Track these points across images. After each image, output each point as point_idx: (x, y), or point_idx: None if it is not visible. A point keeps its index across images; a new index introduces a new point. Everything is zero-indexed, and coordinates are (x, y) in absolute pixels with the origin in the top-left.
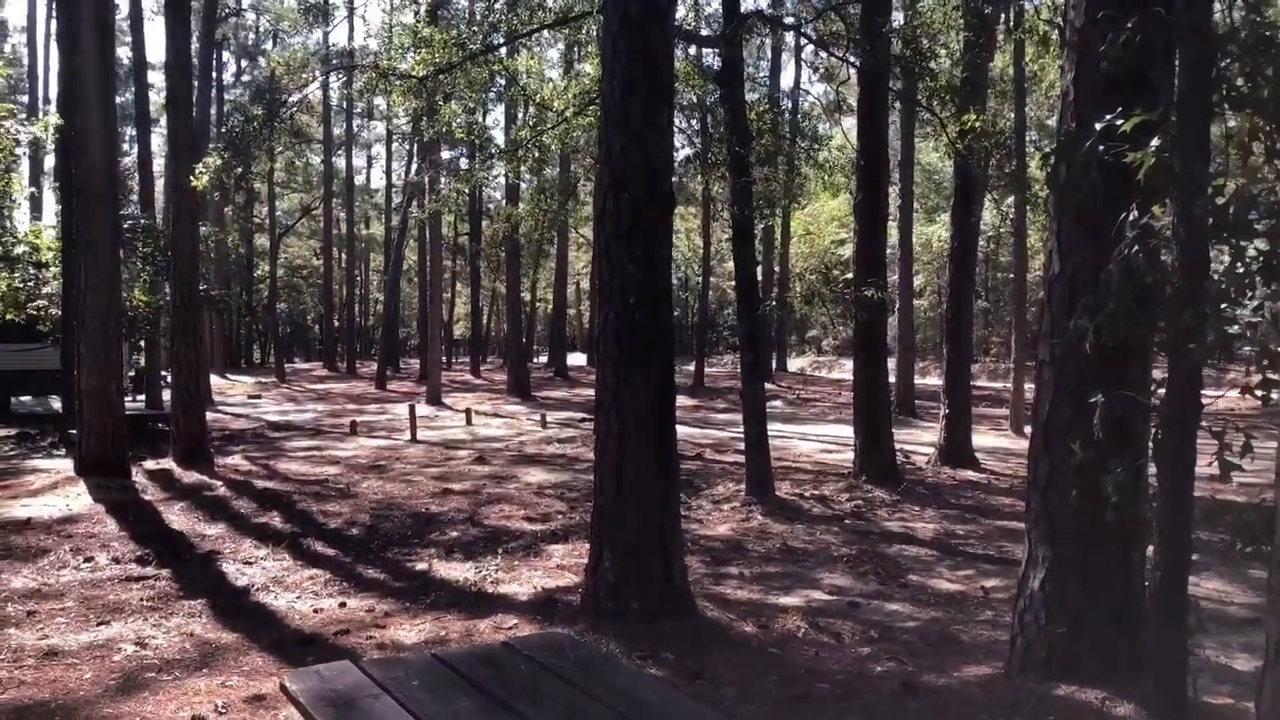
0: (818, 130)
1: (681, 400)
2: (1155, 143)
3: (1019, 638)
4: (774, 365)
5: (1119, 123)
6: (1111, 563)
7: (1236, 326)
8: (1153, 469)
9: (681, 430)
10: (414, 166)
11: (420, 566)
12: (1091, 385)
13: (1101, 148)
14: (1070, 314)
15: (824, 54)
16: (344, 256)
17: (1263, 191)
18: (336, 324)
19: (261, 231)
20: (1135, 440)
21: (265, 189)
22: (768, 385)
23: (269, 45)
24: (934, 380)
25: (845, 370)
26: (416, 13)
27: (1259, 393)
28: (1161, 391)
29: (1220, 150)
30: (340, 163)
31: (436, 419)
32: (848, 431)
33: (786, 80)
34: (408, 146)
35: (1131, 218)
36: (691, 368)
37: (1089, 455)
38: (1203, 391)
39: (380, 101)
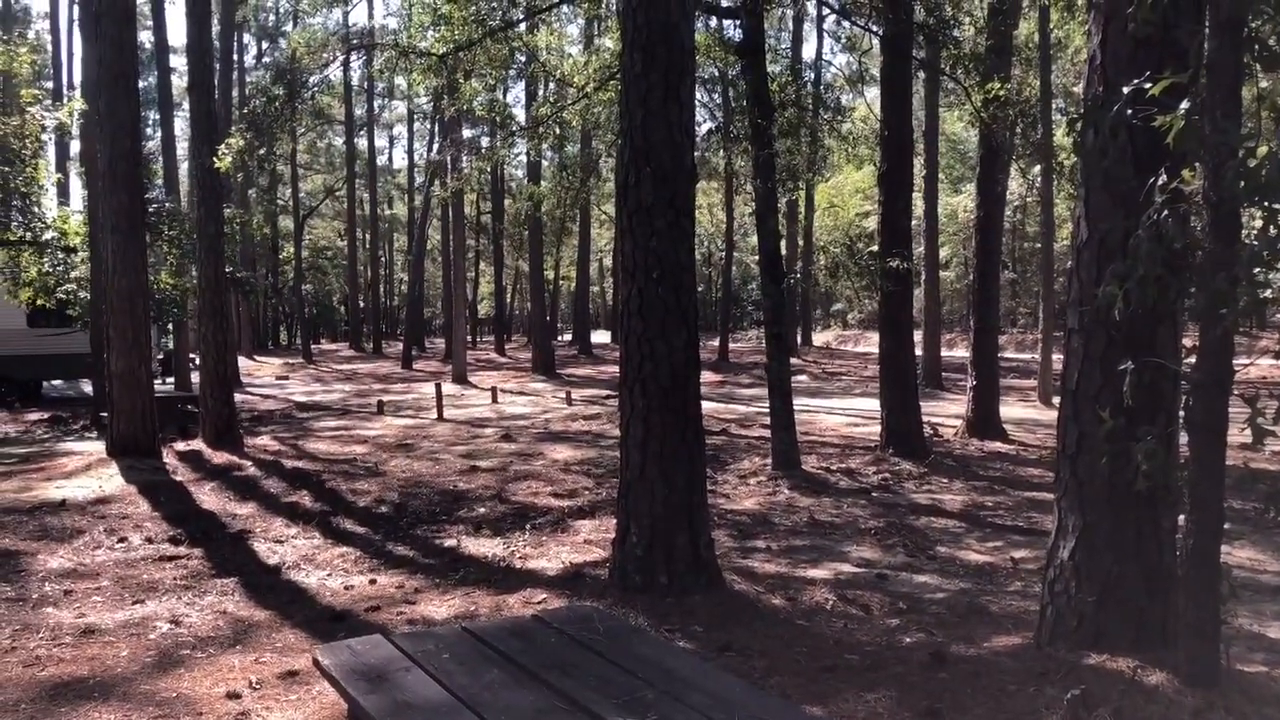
0: (840, 101)
1: (706, 375)
2: (1185, 105)
3: (1049, 607)
4: (799, 339)
5: (1147, 86)
6: (1142, 531)
7: (1269, 292)
8: (1184, 436)
9: (706, 405)
10: (435, 145)
11: (449, 543)
12: (1121, 352)
13: (1130, 111)
14: (1099, 281)
15: (846, 23)
16: (368, 237)
17: None
18: (361, 304)
19: (286, 213)
20: (1165, 407)
21: (288, 171)
22: (793, 359)
23: (289, 26)
24: (961, 352)
25: (871, 344)
26: None
27: None
28: (1192, 359)
29: (1252, 112)
30: (362, 143)
31: (462, 397)
32: (874, 405)
33: (808, 52)
34: (429, 125)
35: (1161, 182)
36: (716, 343)
37: (1119, 423)
38: (1234, 358)
39: (401, 81)
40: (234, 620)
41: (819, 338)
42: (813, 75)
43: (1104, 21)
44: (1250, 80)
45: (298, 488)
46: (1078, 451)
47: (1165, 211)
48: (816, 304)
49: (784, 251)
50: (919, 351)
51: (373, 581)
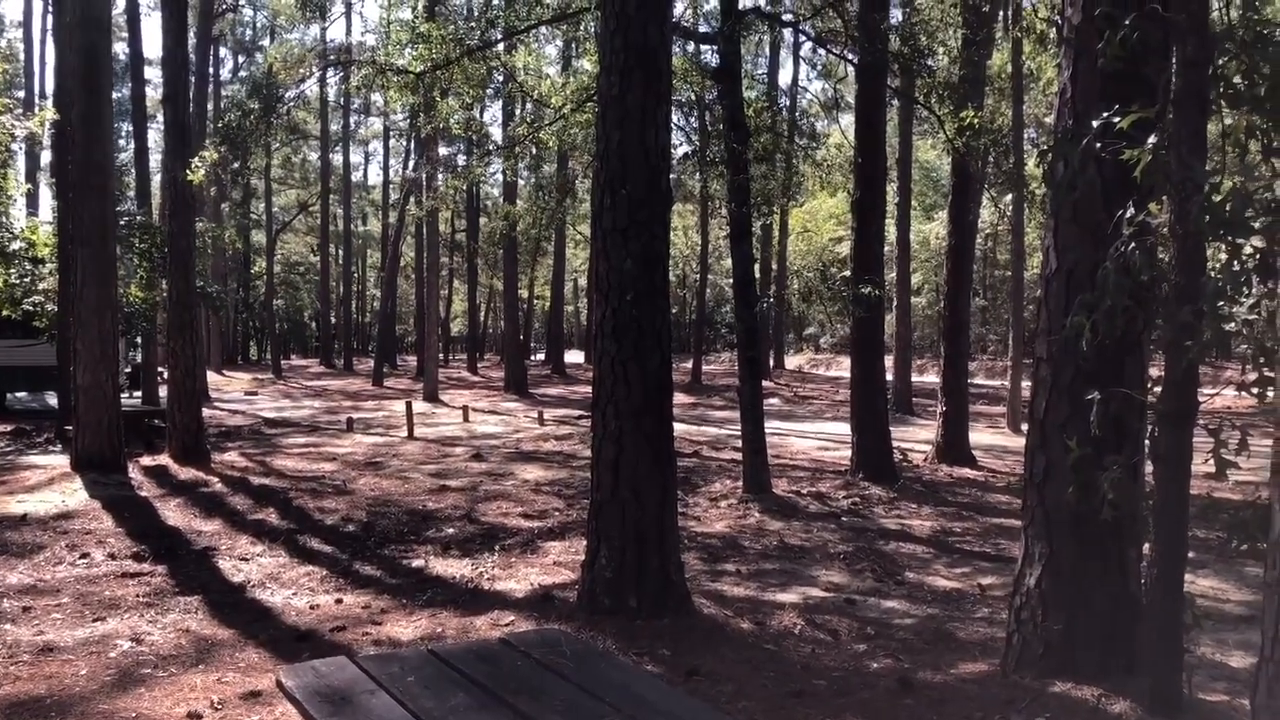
0: (815, 128)
1: (679, 397)
2: (1152, 140)
3: (1015, 634)
4: (772, 363)
5: (1116, 120)
6: (1108, 560)
7: (1233, 324)
8: (1149, 466)
9: (679, 427)
10: (411, 163)
11: (417, 563)
12: (1088, 382)
13: (1099, 145)
14: (1067, 311)
15: (822, 51)
16: (341, 253)
17: (1259, 189)
18: (333, 321)
19: (258, 228)
20: (1132, 437)
21: (262, 185)
22: (765, 383)
23: (266, 40)
24: (932, 378)
25: (843, 368)
26: (414, 8)
27: (1255, 390)
28: (1158, 389)
29: (1217, 148)
30: (338, 159)
31: (433, 416)
32: (845, 429)
33: (785, 77)
34: (405, 143)
35: (1128, 215)
36: (689, 365)
37: (1086, 452)
38: (1199, 389)
39: (378, 97)
40: (197, 639)
41: (792, 361)
42: (789, 101)
43: (1074, 56)
44: (1216, 116)
45: (264, 505)
46: (1045, 480)
47: (1132, 244)
48: (790, 327)
49: (758, 275)
50: (890, 377)
51: (339, 601)
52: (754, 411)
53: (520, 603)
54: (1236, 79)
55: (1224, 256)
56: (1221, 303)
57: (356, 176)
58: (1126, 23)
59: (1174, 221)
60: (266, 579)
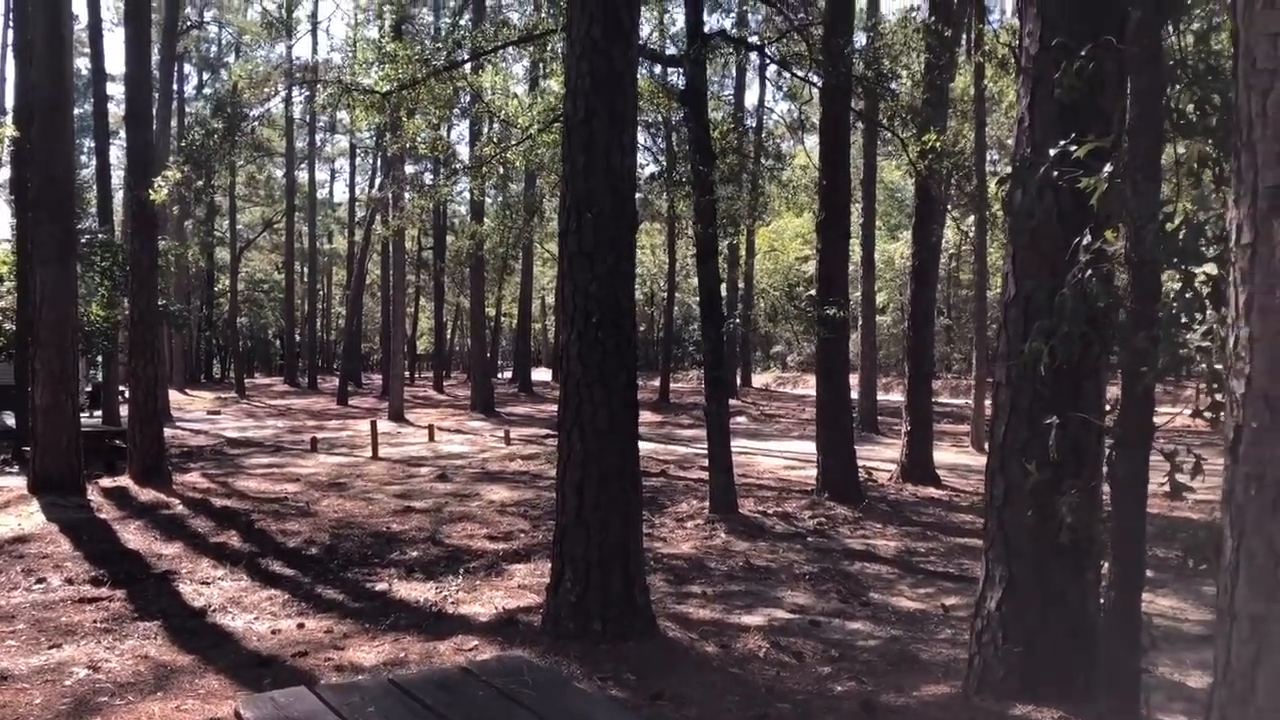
0: (781, 149)
1: (646, 416)
2: (1108, 169)
3: (977, 657)
4: (739, 381)
5: (1073, 149)
6: (1067, 583)
7: (1187, 350)
8: (1107, 489)
9: (645, 446)
10: (378, 181)
11: (380, 587)
12: (1047, 407)
13: (1056, 173)
14: (1025, 336)
15: (787, 74)
16: (306, 271)
17: (1211, 218)
18: (298, 339)
19: (222, 245)
20: (1090, 461)
21: (226, 202)
22: (732, 401)
23: (231, 58)
24: (897, 396)
25: (809, 386)
26: (381, 28)
27: (1208, 415)
28: (1115, 413)
29: (1171, 177)
30: (303, 176)
31: (399, 435)
32: (811, 448)
33: (751, 98)
34: (372, 160)
35: (1085, 242)
36: (657, 382)
37: (1044, 476)
38: (1157, 410)
39: (344, 115)
40: (156, 665)
41: (759, 379)
42: (755, 122)
43: (1032, 85)
44: (1169, 145)
45: (226, 527)
46: (1005, 503)
47: (1089, 271)
48: (756, 346)
49: (724, 294)
50: (855, 395)
51: (301, 626)
52: (720, 431)
53: (484, 627)
54: (1189, 109)
55: (1178, 284)
56: (1175, 329)
57: (322, 194)
58: (1082, 53)
59: (1129, 249)
60: (228, 603)
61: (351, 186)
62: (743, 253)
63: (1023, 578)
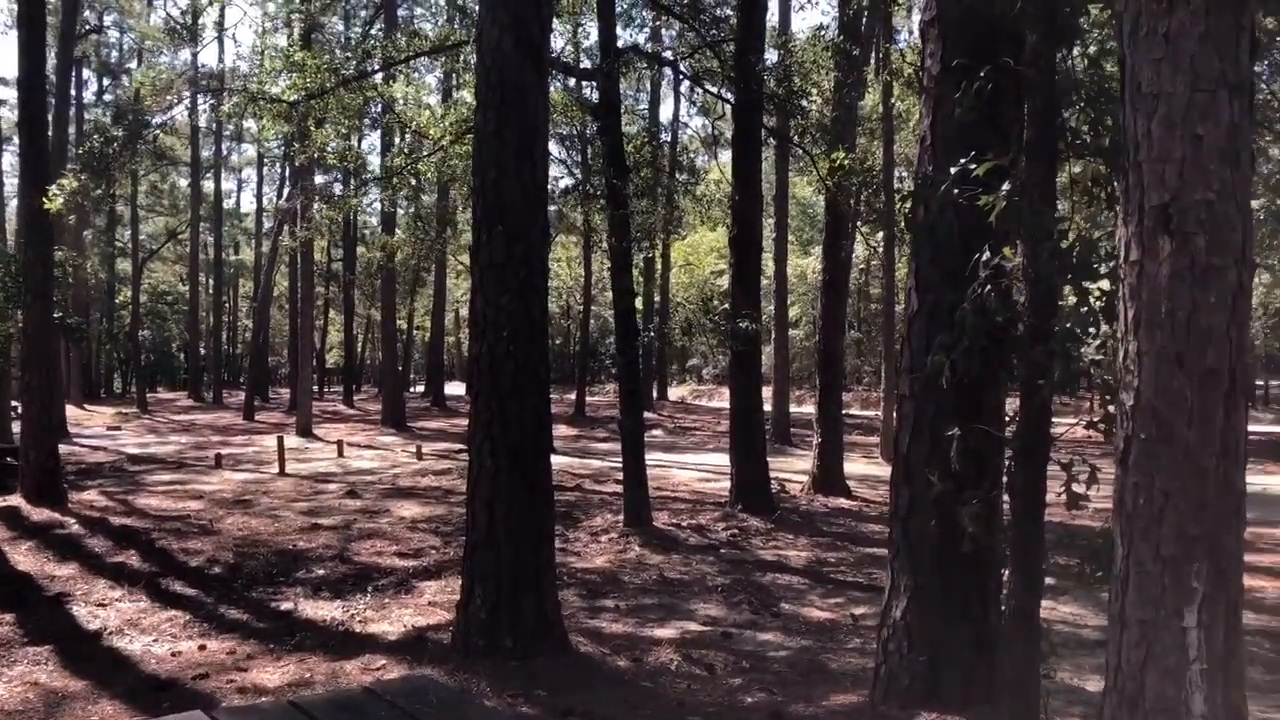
0: (695, 163)
1: (562, 430)
2: (1006, 187)
3: (883, 666)
4: (655, 394)
5: (972, 167)
6: (969, 591)
7: (1081, 364)
8: (1007, 499)
9: (561, 460)
10: (286, 191)
11: (286, 606)
12: (948, 419)
13: (956, 191)
14: (928, 350)
15: (700, 90)
16: (212, 282)
17: (1103, 235)
18: (203, 352)
19: (124, 256)
20: (990, 472)
21: (128, 212)
22: (648, 414)
23: (134, 63)
24: (810, 408)
25: (725, 398)
26: (290, 36)
27: (1102, 426)
28: (1015, 425)
29: (1067, 195)
30: (209, 185)
31: (307, 451)
32: (726, 460)
33: (667, 113)
34: (280, 170)
35: (985, 258)
36: (573, 396)
37: (947, 487)
38: (1056, 422)
39: (251, 124)
40: (46, 692)
41: (675, 392)
42: (670, 137)
43: (934, 105)
44: (1065, 165)
45: (125, 547)
46: (909, 513)
47: (988, 286)
48: (673, 359)
49: (640, 308)
50: (768, 408)
51: (202, 647)
52: (635, 445)
53: (393, 646)
54: (1083, 130)
55: (1074, 299)
56: (1071, 343)
57: (229, 204)
58: (981, 75)
59: (1027, 265)
60: (125, 625)
61: (259, 197)
62: (659, 266)
63: (926, 587)
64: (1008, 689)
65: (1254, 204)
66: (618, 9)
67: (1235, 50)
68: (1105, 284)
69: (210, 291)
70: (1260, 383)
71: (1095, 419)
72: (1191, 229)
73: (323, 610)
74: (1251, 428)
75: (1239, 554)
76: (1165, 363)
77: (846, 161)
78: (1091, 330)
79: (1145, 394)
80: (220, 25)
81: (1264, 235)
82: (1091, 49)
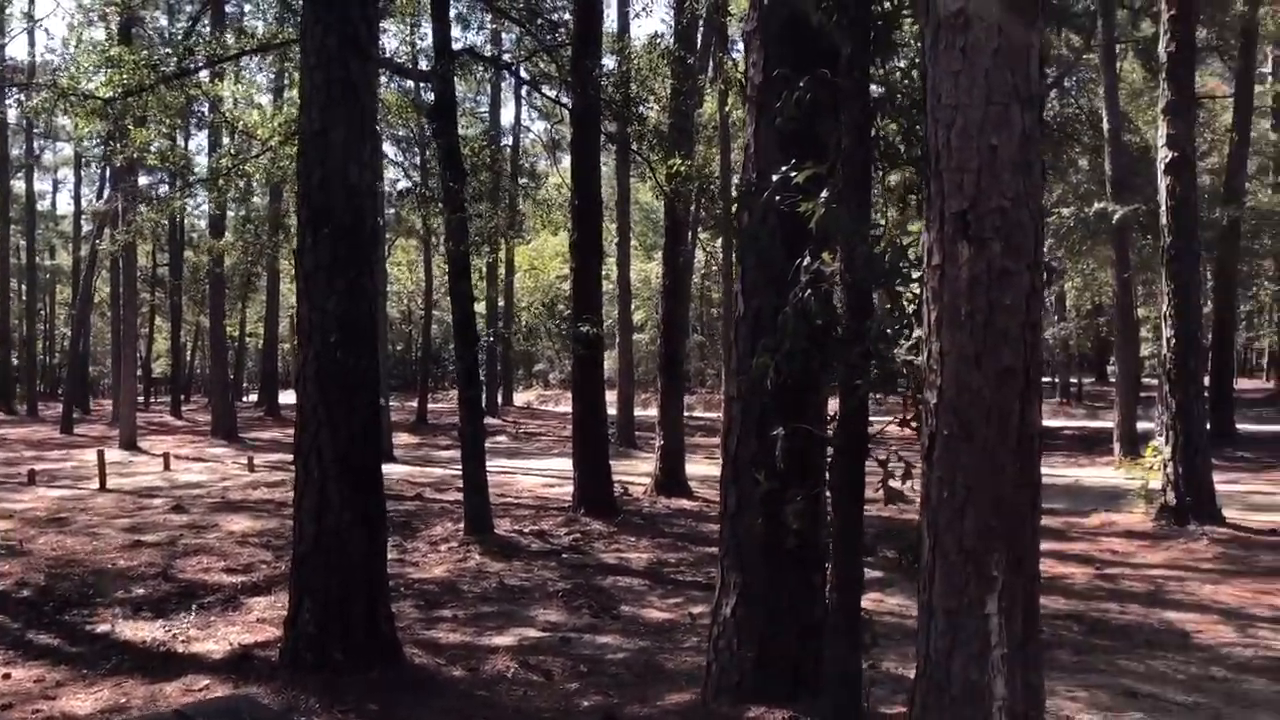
0: (536, 167)
1: (403, 438)
2: (825, 194)
3: (714, 664)
4: (499, 400)
5: (793, 175)
6: (795, 587)
7: (895, 365)
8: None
9: (402, 469)
10: (105, 193)
11: (102, 628)
12: (775, 419)
13: (778, 197)
14: (754, 352)
15: (539, 94)
16: (24, 288)
17: (913, 241)
18: (15, 362)
19: None
20: (814, 470)
21: None
22: (493, 420)
23: None
24: (655, 411)
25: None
26: (108, 29)
27: (914, 425)
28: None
29: (881, 202)
30: (20, 185)
31: (131, 465)
32: (570, 465)
33: (508, 116)
34: (100, 170)
35: (806, 263)
36: (415, 403)
37: (772, 485)
38: (875, 420)
39: (66, 121)
40: None
41: (520, 397)
42: (512, 140)
43: (757, 114)
44: (879, 174)
45: None
46: (737, 512)
47: (809, 290)
48: (519, 364)
49: (483, 312)
50: (613, 411)
51: (6, 676)
52: (475, 451)
53: (218, 665)
54: (896, 139)
55: (889, 303)
56: (885, 345)
57: (44, 205)
58: (801, 85)
59: (843, 270)
60: None
61: (77, 198)
62: (502, 271)
63: (754, 584)
64: (831, 681)
65: (1065, 211)
66: (454, 11)
67: (1027, 66)
68: (916, 288)
69: (23, 298)
70: (1074, 380)
71: (908, 417)
72: (988, 235)
73: (143, 631)
74: (1064, 423)
75: (1035, 543)
76: (965, 362)
77: (684, 168)
78: (905, 332)
79: (948, 392)
80: (30, 16)
81: (1074, 242)
82: (903, 63)
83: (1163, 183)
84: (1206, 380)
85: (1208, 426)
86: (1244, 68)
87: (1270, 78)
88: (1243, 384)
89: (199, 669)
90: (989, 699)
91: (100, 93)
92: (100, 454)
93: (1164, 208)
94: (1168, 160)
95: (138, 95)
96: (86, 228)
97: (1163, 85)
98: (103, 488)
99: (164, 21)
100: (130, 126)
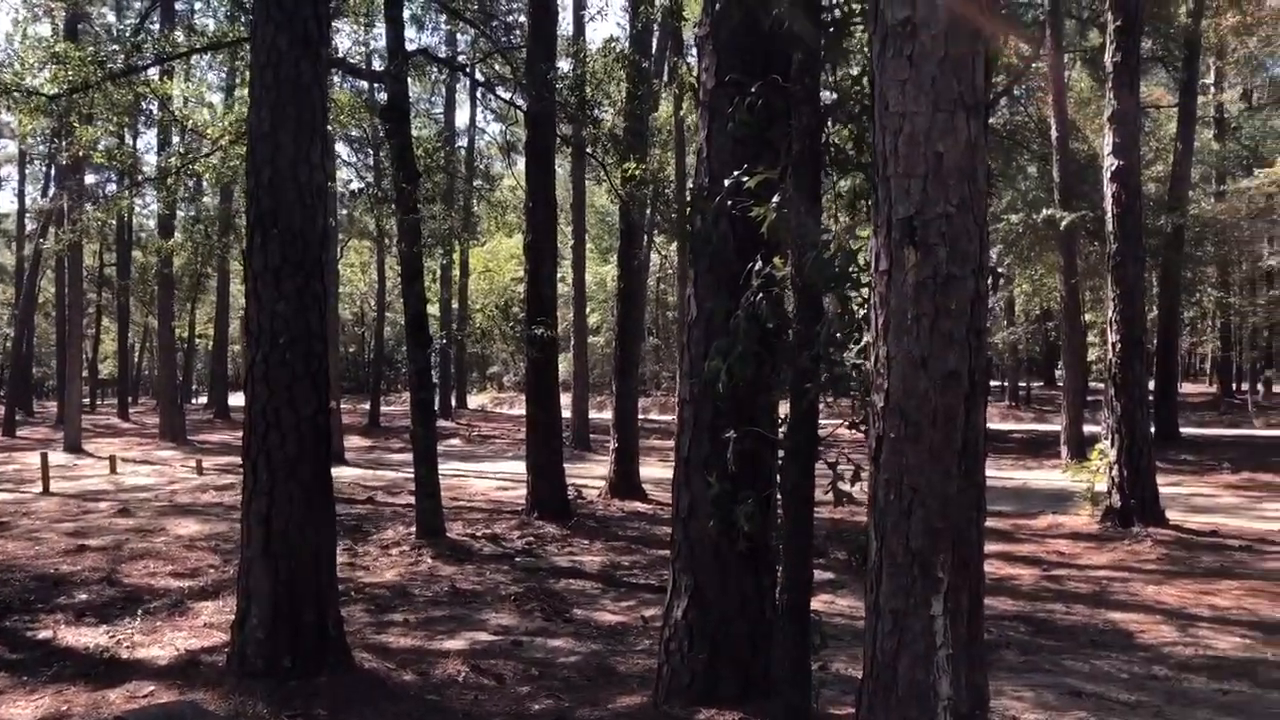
0: (491, 170)
1: (356, 440)
2: (776, 199)
3: (665, 666)
4: (453, 402)
5: (745, 180)
6: (746, 589)
7: (844, 368)
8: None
9: (353, 472)
10: (50, 191)
11: (44, 634)
12: (727, 422)
13: (730, 202)
14: (707, 355)
15: (493, 96)
16: None
17: (862, 246)
18: None
19: None
20: (764, 473)
21: None
22: (447, 423)
23: None
24: (609, 414)
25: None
26: (53, 24)
27: (863, 427)
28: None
29: (831, 207)
30: None
31: (75, 468)
32: (524, 468)
33: (464, 119)
34: (45, 168)
35: (757, 267)
36: (368, 406)
37: (724, 488)
38: (825, 423)
39: (10, 118)
40: None
41: (475, 400)
42: (467, 142)
43: (709, 119)
44: (830, 179)
45: None
46: (689, 515)
47: (761, 294)
48: (473, 366)
49: (438, 314)
50: (568, 414)
51: None
52: (428, 454)
53: (163, 671)
54: (847, 145)
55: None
56: (835, 349)
57: None
58: (753, 90)
59: (794, 274)
60: None
61: (21, 196)
62: (456, 273)
63: (706, 587)
64: (780, 682)
65: (1014, 218)
66: (409, 12)
67: (972, 74)
68: (866, 292)
69: None
70: (1023, 385)
71: (857, 420)
72: (934, 240)
73: (86, 637)
74: (1013, 426)
75: (980, 544)
76: (911, 366)
77: (639, 171)
78: (855, 336)
79: (894, 395)
80: None
81: (1023, 248)
82: (855, 70)
83: (1109, 190)
84: (1151, 384)
85: (1152, 430)
86: (1188, 78)
87: (1213, 89)
88: (1186, 388)
89: (144, 675)
90: (934, 699)
91: (45, 89)
92: (44, 457)
93: (1110, 215)
94: (1114, 168)
95: (84, 92)
96: (31, 226)
97: (1109, 94)
98: (46, 491)
99: (112, 18)
100: (76, 124)
